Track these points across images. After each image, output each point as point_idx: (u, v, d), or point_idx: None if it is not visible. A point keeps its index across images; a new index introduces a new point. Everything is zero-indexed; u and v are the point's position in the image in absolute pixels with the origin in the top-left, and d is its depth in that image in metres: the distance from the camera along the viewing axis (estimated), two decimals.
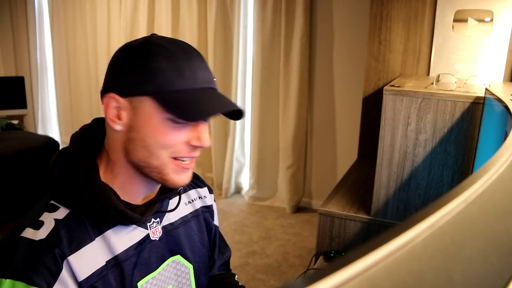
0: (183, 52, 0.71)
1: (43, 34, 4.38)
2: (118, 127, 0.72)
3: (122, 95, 0.70)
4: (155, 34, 0.75)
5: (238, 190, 3.73)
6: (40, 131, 4.49)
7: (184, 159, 0.73)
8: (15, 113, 4.26)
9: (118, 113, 0.71)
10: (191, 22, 3.52)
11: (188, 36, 3.55)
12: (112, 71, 0.73)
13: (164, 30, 3.62)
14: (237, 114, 0.78)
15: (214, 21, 3.37)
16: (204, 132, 0.73)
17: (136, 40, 0.73)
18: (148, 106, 0.69)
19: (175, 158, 0.72)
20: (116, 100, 0.71)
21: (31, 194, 2.80)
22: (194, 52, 0.74)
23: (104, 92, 0.73)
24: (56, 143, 3.38)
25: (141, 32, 3.68)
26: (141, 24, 3.71)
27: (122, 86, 0.70)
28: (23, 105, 4.26)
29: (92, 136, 0.78)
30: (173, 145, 0.71)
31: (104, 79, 0.74)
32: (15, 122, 4.04)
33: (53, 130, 4.59)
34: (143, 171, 0.74)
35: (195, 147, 0.73)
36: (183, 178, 0.75)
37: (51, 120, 4.59)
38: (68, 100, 4.37)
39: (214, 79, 0.76)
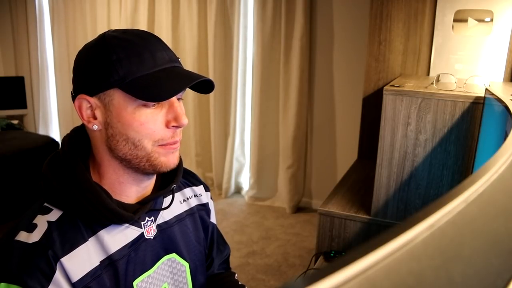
0: (139, 38, 0.72)
1: (44, 34, 4.37)
2: (95, 126, 0.73)
3: (91, 94, 0.71)
4: (111, 29, 0.76)
5: (238, 190, 3.73)
6: (40, 131, 4.49)
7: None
8: (15, 113, 4.26)
9: (92, 113, 0.72)
10: (191, 22, 3.52)
11: (188, 36, 3.55)
12: (77, 73, 0.74)
13: (164, 30, 3.62)
14: (207, 87, 0.78)
15: (214, 21, 3.37)
16: (180, 111, 0.74)
17: (93, 39, 0.74)
18: (117, 99, 0.70)
19: (160, 145, 0.74)
20: (87, 100, 0.72)
21: (31, 194, 2.80)
22: (150, 36, 0.74)
23: (74, 96, 0.74)
24: (56, 143, 3.38)
25: None
26: (141, 24, 3.71)
27: (88, 85, 0.71)
28: (23, 105, 4.26)
29: (84, 137, 0.79)
30: (152, 132, 0.72)
31: (72, 83, 0.75)
32: (15, 122, 4.04)
33: (54, 130, 4.59)
34: (132, 164, 0.74)
35: (175, 128, 0.74)
36: (172, 160, 0.76)
37: (52, 120, 4.59)
38: (68, 100, 4.34)
39: (178, 59, 0.77)
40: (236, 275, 1.06)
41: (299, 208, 3.45)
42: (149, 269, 0.81)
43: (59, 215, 0.72)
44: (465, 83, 1.52)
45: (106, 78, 0.69)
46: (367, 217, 1.65)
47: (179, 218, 0.89)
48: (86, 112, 0.73)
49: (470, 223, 0.28)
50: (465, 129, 1.43)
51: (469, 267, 0.24)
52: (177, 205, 0.91)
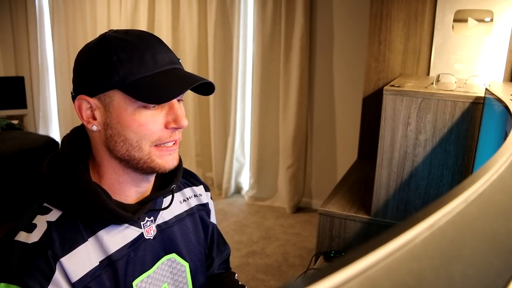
0: (140, 40, 0.72)
1: (44, 34, 4.37)
2: (94, 127, 0.73)
3: (91, 94, 0.71)
4: (112, 29, 0.75)
5: (238, 190, 3.73)
6: (40, 131, 4.49)
7: (166, 144, 0.74)
8: (15, 113, 4.26)
9: (92, 113, 0.72)
10: (191, 22, 3.52)
11: (188, 36, 3.55)
12: (77, 73, 0.74)
13: (164, 30, 3.62)
14: (208, 89, 0.78)
15: (214, 21, 3.37)
16: (179, 113, 0.74)
17: (94, 39, 0.74)
18: (117, 100, 0.70)
19: (157, 145, 0.73)
20: (86, 101, 0.72)
21: (31, 194, 2.80)
22: (151, 37, 0.74)
23: (74, 96, 0.74)
24: (56, 143, 3.38)
25: None
26: (141, 24, 3.71)
27: (88, 85, 0.71)
28: (23, 105, 4.26)
29: (83, 137, 0.79)
30: (151, 133, 0.72)
31: (72, 83, 0.75)
32: (15, 122, 4.04)
33: (54, 130, 4.59)
34: (131, 164, 0.75)
35: (173, 130, 0.74)
36: (169, 161, 0.76)
37: (52, 120, 4.59)
38: (68, 100, 4.35)
39: (179, 60, 0.77)
40: (236, 275, 1.06)
41: (299, 208, 3.45)
42: (149, 269, 0.81)
43: (58, 215, 0.72)
44: (465, 83, 1.52)
45: (106, 79, 0.69)
46: (367, 217, 1.65)
47: (179, 218, 0.89)
48: (86, 113, 0.73)
49: (470, 223, 0.28)
50: (465, 129, 1.43)
51: (469, 267, 0.24)
52: (177, 205, 0.91)
